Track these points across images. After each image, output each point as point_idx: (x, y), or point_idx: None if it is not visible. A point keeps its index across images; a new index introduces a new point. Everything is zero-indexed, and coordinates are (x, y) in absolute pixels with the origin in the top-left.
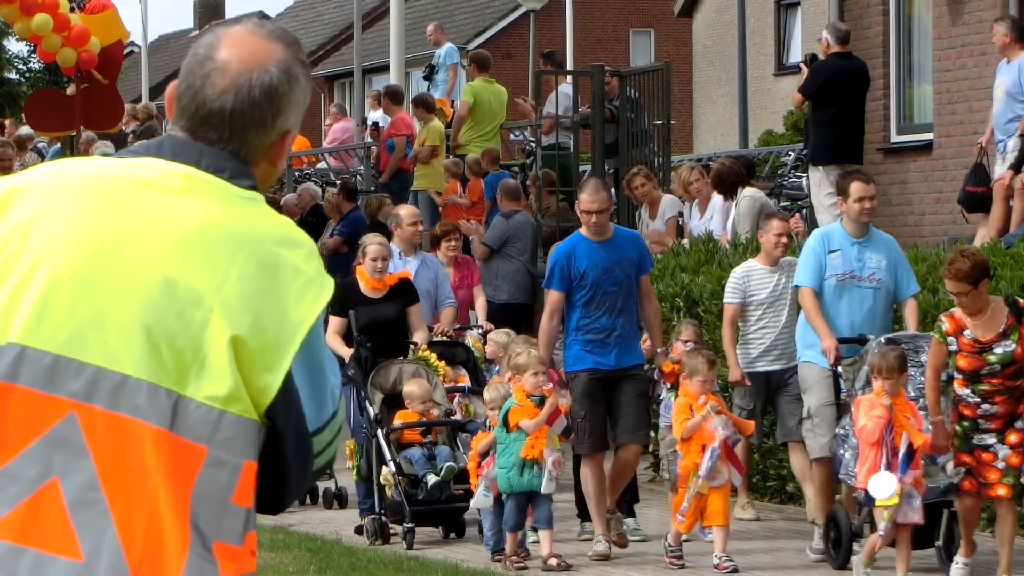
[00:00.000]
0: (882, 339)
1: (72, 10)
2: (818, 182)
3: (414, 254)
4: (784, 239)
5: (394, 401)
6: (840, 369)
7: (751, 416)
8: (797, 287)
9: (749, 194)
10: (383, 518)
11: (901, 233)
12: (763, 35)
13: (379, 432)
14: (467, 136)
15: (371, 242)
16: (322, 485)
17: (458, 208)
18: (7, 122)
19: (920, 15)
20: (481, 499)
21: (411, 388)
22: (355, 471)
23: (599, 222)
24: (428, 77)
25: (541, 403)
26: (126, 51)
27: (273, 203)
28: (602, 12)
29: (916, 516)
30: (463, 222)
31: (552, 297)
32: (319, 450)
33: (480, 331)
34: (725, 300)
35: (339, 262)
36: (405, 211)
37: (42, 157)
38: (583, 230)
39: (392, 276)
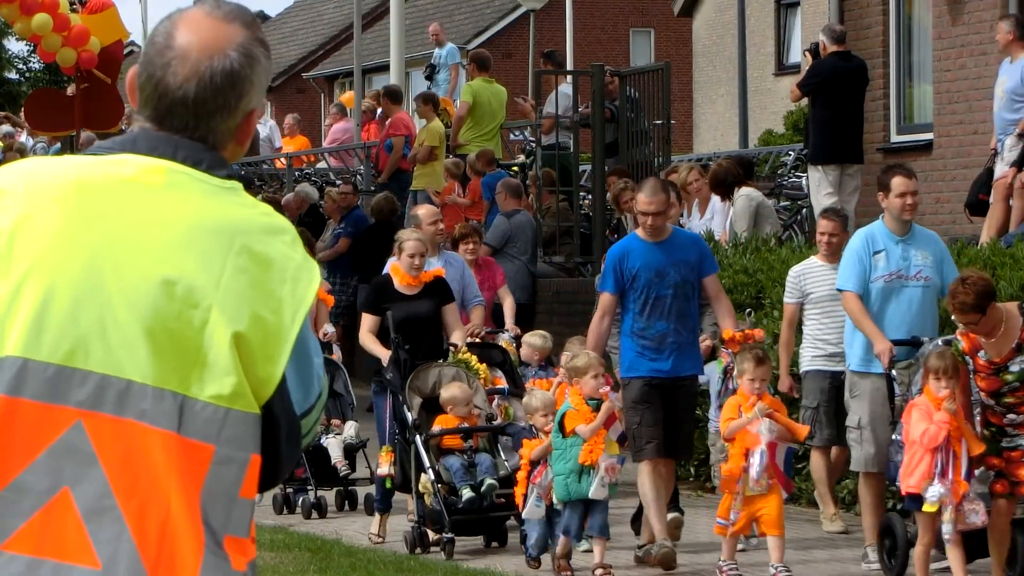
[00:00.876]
0: (939, 341)
1: (72, 9)
2: (817, 182)
3: (437, 254)
4: (832, 238)
5: (433, 405)
6: (895, 373)
7: (814, 416)
8: (840, 291)
9: (745, 193)
10: (422, 527)
11: None
12: (763, 35)
13: (417, 438)
14: (467, 136)
15: (408, 238)
16: (363, 491)
17: (457, 208)
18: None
19: (920, 15)
20: (533, 509)
21: (451, 392)
22: (388, 480)
23: (656, 224)
24: (429, 77)
25: (598, 407)
26: (126, 51)
27: (273, 202)
28: (602, 12)
29: (981, 520)
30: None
31: (603, 299)
32: (305, 432)
33: (511, 335)
34: (784, 300)
35: (341, 262)
36: (424, 211)
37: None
38: (639, 231)
39: (427, 273)
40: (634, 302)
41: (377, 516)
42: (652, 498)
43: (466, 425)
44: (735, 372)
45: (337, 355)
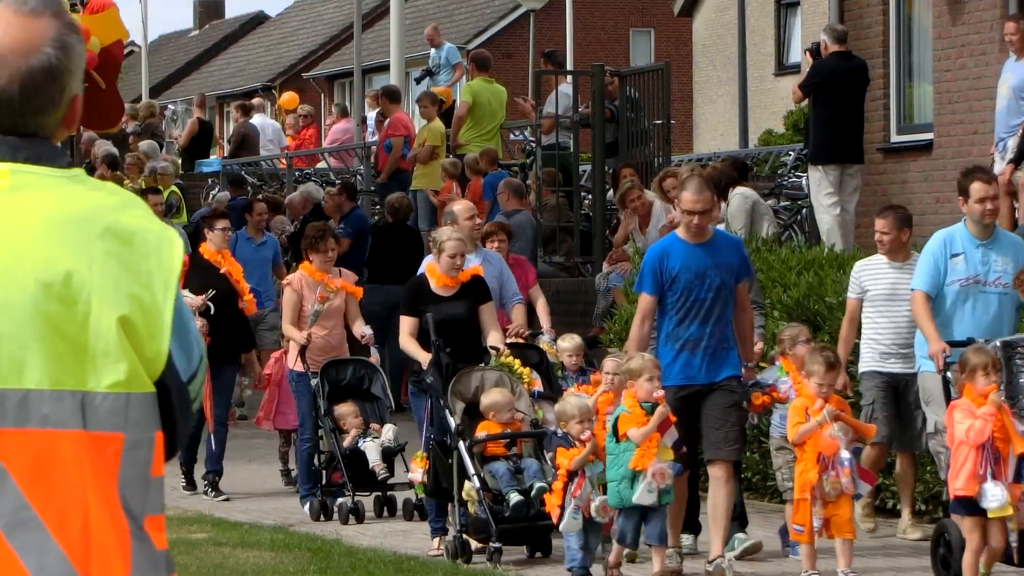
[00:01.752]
0: (997, 342)
1: (72, 9)
2: (817, 182)
3: (474, 251)
4: (884, 236)
5: (476, 410)
6: (950, 375)
7: (872, 416)
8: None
9: (739, 192)
10: (464, 536)
11: None
12: (763, 35)
13: (461, 444)
14: (467, 136)
15: (448, 237)
16: (401, 496)
17: None
18: None
19: (920, 15)
20: (570, 522)
21: (492, 398)
22: (420, 487)
23: (701, 224)
24: (420, 80)
25: (653, 411)
26: (126, 51)
27: (274, 202)
28: (602, 12)
29: None
30: None
31: (643, 301)
32: (193, 397)
33: (551, 337)
34: (847, 295)
35: (342, 262)
36: (460, 206)
37: None
38: (680, 231)
39: (464, 273)
40: (672, 304)
41: (436, 540)
42: (674, 511)
43: (510, 431)
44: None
45: (375, 357)
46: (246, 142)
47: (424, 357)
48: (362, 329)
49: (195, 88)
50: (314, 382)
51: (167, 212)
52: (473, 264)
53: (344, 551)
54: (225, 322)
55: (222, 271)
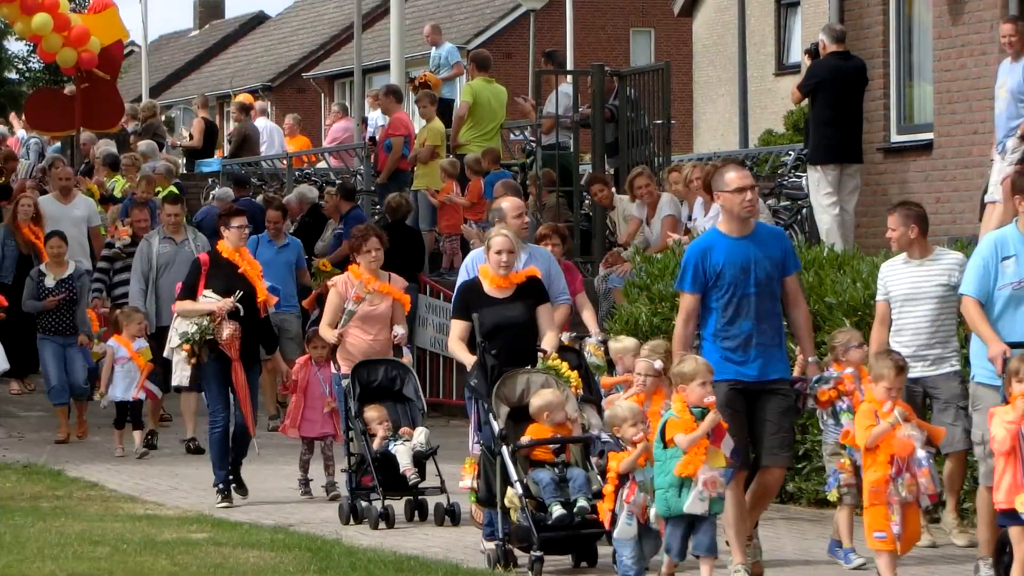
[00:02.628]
0: None
1: (72, 10)
2: (817, 182)
3: (523, 248)
4: (891, 232)
5: (521, 415)
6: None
7: None
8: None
9: None
10: (506, 544)
11: None
12: (763, 35)
13: (504, 449)
14: (467, 136)
15: (496, 234)
16: (433, 500)
17: (456, 208)
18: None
19: (920, 15)
20: (624, 528)
21: (546, 399)
22: (472, 495)
23: (754, 199)
24: (413, 80)
25: (703, 416)
26: (126, 51)
27: (274, 202)
28: (602, 12)
29: None
30: (464, 227)
31: (686, 300)
32: None
33: (600, 338)
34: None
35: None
36: (508, 203)
37: (41, 157)
38: (721, 224)
39: (519, 274)
40: (717, 301)
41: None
42: (732, 519)
43: (558, 436)
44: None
45: (408, 358)
46: (247, 142)
47: (470, 360)
48: (396, 329)
49: (195, 88)
50: (345, 383)
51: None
52: (521, 262)
53: (344, 551)
54: (249, 324)
55: (240, 270)
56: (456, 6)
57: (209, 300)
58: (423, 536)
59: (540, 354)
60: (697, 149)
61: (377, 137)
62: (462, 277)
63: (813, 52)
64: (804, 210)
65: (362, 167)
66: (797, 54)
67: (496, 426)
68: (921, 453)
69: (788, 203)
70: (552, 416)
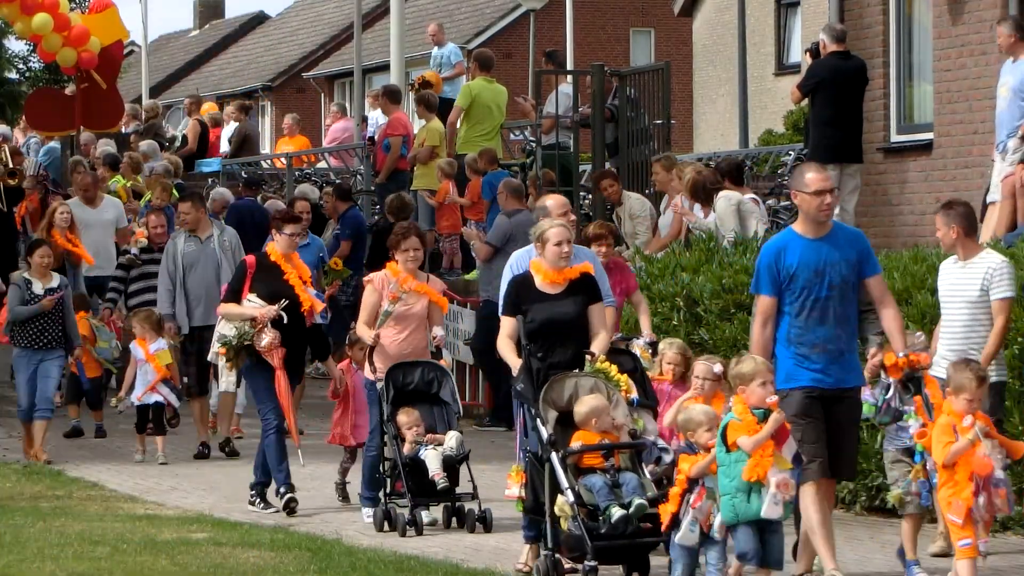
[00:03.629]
0: None
1: (72, 9)
2: None
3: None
4: (937, 233)
5: (570, 419)
6: None
7: None
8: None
9: (723, 196)
10: (555, 554)
11: (901, 233)
12: (763, 35)
13: (553, 455)
14: (467, 136)
15: (551, 225)
16: (465, 506)
17: (456, 209)
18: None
19: (920, 15)
20: (687, 534)
21: (592, 404)
22: (519, 503)
23: (834, 203)
24: (412, 84)
25: (765, 418)
26: (126, 51)
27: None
28: (602, 12)
29: None
30: (464, 228)
31: (762, 303)
32: None
33: (646, 341)
34: None
35: (345, 262)
36: (553, 201)
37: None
38: (797, 224)
39: (572, 269)
40: (791, 304)
41: (525, 547)
42: (818, 522)
43: (608, 442)
44: (892, 393)
45: (446, 361)
46: (247, 142)
47: (517, 363)
48: (435, 330)
49: (195, 88)
50: (380, 385)
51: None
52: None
53: (344, 551)
54: (293, 332)
55: (285, 276)
56: (456, 6)
57: (252, 305)
58: (423, 535)
59: (588, 356)
60: (697, 149)
61: (376, 137)
62: (506, 278)
63: (814, 52)
64: None
65: (362, 167)
66: (797, 54)
67: (544, 432)
68: (999, 474)
69: (788, 203)
70: (600, 422)
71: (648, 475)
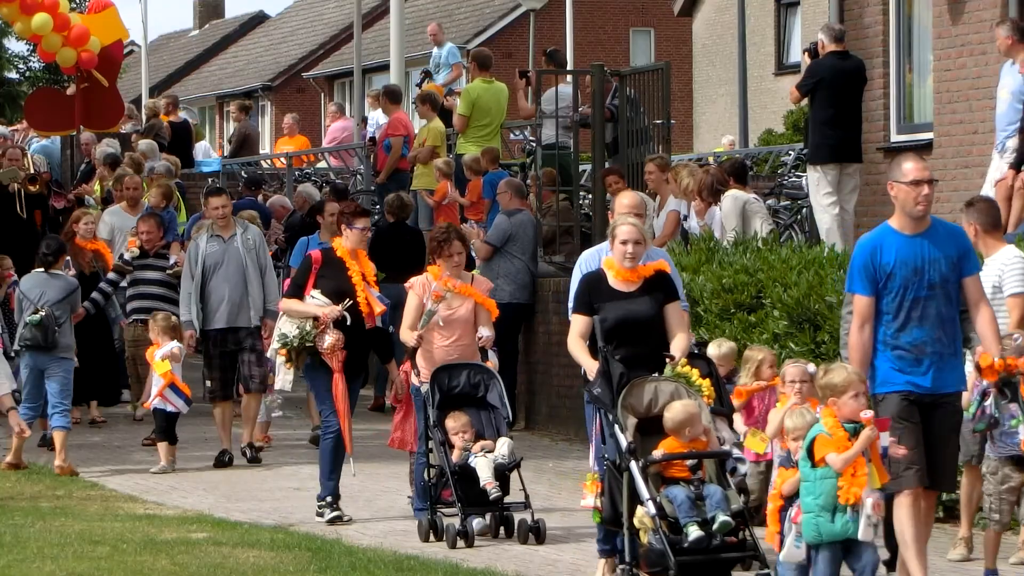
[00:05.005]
0: None
1: (72, 9)
2: (816, 181)
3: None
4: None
5: (649, 426)
6: None
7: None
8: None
9: (730, 194)
10: (635, 570)
11: None
12: (763, 35)
13: (633, 464)
14: (467, 136)
15: (623, 222)
16: (517, 516)
17: (453, 208)
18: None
19: (920, 14)
20: (791, 551)
21: (682, 415)
22: (596, 514)
23: (930, 195)
24: (420, 84)
25: (857, 432)
26: (126, 51)
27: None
28: (602, 12)
29: None
30: (464, 226)
31: (859, 303)
32: None
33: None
34: None
35: None
36: (628, 199)
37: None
38: (893, 220)
39: (648, 266)
40: (888, 305)
41: (601, 561)
42: (911, 537)
43: (693, 451)
44: (990, 399)
45: (493, 362)
46: (247, 142)
47: (592, 365)
48: (481, 330)
49: (195, 88)
50: (424, 388)
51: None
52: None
53: (344, 551)
54: (356, 334)
55: (349, 274)
56: (456, 6)
57: (315, 303)
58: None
59: (668, 359)
60: (697, 149)
61: (377, 137)
62: (577, 277)
63: (812, 52)
64: (804, 210)
65: (362, 167)
66: (797, 54)
67: (623, 439)
68: None
69: (788, 203)
70: (692, 430)
71: (733, 487)
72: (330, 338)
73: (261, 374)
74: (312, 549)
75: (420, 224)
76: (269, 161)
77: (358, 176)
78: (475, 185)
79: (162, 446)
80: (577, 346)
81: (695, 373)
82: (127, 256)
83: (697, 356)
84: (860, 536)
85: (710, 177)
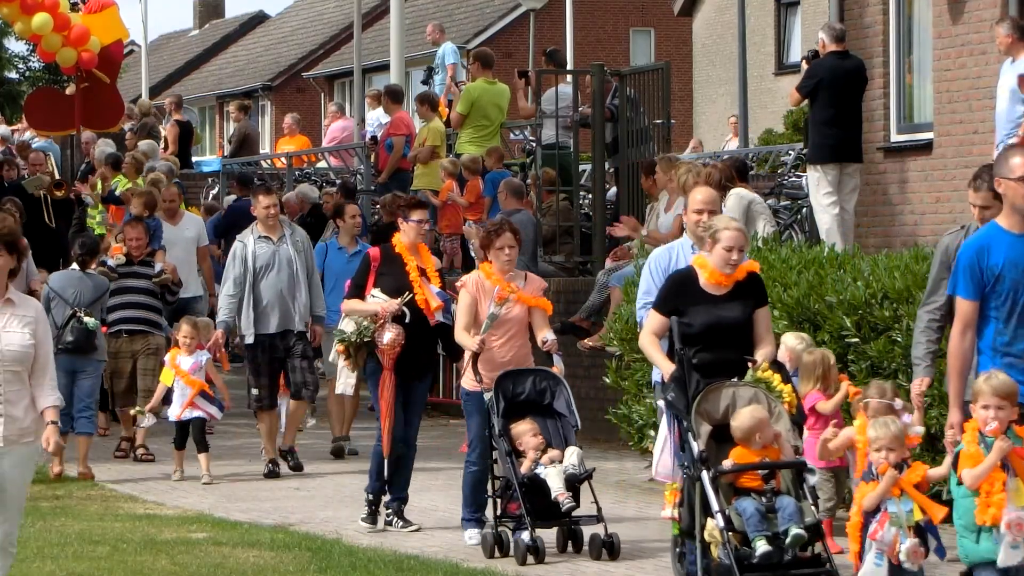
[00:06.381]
0: None
1: (73, 8)
2: (817, 181)
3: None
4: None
5: (725, 434)
6: None
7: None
8: None
9: (735, 192)
10: None
11: (901, 233)
12: (763, 35)
13: (704, 474)
14: (467, 137)
15: (726, 226)
16: (588, 530)
17: (456, 208)
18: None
19: (920, 14)
20: (871, 569)
21: (750, 422)
22: (675, 525)
23: None
24: (426, 81)
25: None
26: (126, 51)
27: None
28: (602, 12)
29: None
30: (464, 227)
31: (961, 308)
32: None
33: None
34: None
35: None
36: (703, 193)
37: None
38: (1001, 218)
39: (739, 269)
40: (996, 309)
41: None
42: None
43: (767, 460)
44: None
45: (559, 368)
46: (247, 142)
47: (668, 367)
48: (546, 334)
49: (195, 88)
50: (487, 395)
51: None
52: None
53: (344, 550)
54: (418, 330)
55: (407, 268)
56: (456, 6)
57: (376, 300)
58: (423, 535)
59: (749, 364)
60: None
61: (378, 136)
62: (645, 279)
63: (812, 57)
64: (804, 210)
65: (362, 167)
66: (797, 54)
67: (696, 447)
68: None
69: (788, 203)
70: (762, 437)
71: (809, 498)
72: (390, 334)
73: (314, 381)
74: (312, 549)
75: None
76: (269, 161)
77: (358, 176)
78: (474, 185)
79: (202, 457)
80: (651, 344)
81: (777, 378)
82: (112, 263)
83: (775, 362)
84: (1000, 561)
85: (718, 173)
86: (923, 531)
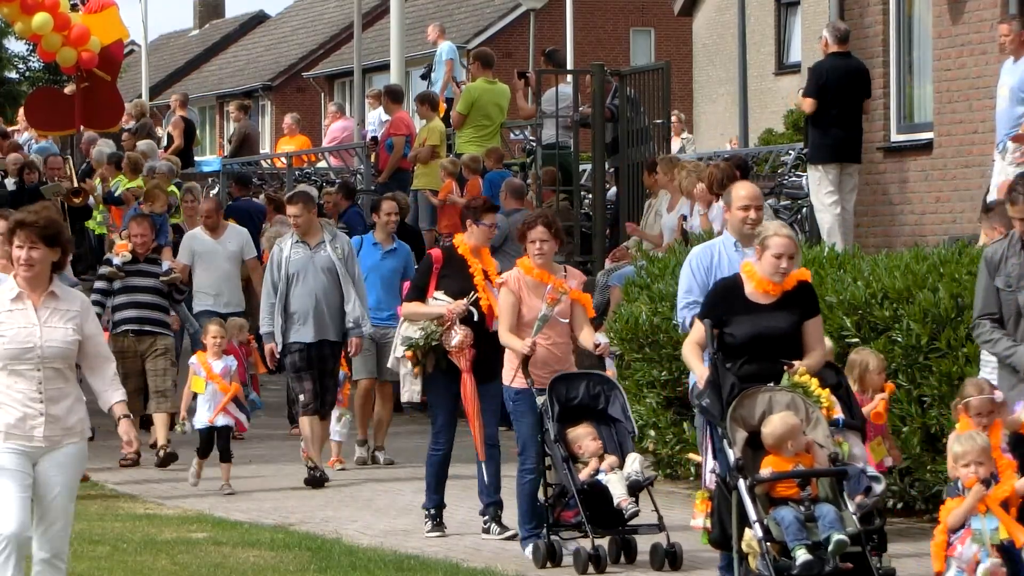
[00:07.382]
0: None
1: (73, 8)
2: (817, 181)
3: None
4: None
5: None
6: None
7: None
8: None
9: None
10: None
11: (901, 232)
12: (763, 34)
13: (740, 483)
14: (466, 136)
15: (775, 232)
16: (648, 540)
17: (456, 208)
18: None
19: (920, 14)
20: None
21: (781, 429)
22: (704, 535)
23: None
24: (425, 77)
25: None
26: (126, 50)
27: (275, 202)
28: (602, 12)
29: None
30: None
31: None
32: None
33: None
34: None
35: None
36: (747, 189)
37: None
38: None
39: (789, 278)
40: None
41: None
42: None
43: (802, 467)
44: None
45: (612, 371)
46: (247, 142)
47: (703, 373)
48: (596, 337)
49: (195, 87)
50: (540, 399)
51: (167, 211)
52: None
53: (344, 550)
54: (484, 331)
55: (471, 271)
56: (456, 6)
57: (440, 303)
58: (424, 535)
59: (785, 368)
60: (697, 149)
61: (378, 136)
62: (687, 277)
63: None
64: (804, 209)
65: (362, 167)
66: (797, 54)
67: (731, 455)
68: None
69: (788, 202)
70: (795, 444)
71: (854, 507)
72: (458, 335)
73: (332, 401)
74: (312, 549)
75: (421, 224)
76: (269, 161)
77: (358, 175)
78: (473, 184)
79: (224, 467)
80: (692, 353)
81: (814, 383)
82: (117, 261)
83: (826, 364)
84: None
85: (719, 172)
86: (1009, 552)
